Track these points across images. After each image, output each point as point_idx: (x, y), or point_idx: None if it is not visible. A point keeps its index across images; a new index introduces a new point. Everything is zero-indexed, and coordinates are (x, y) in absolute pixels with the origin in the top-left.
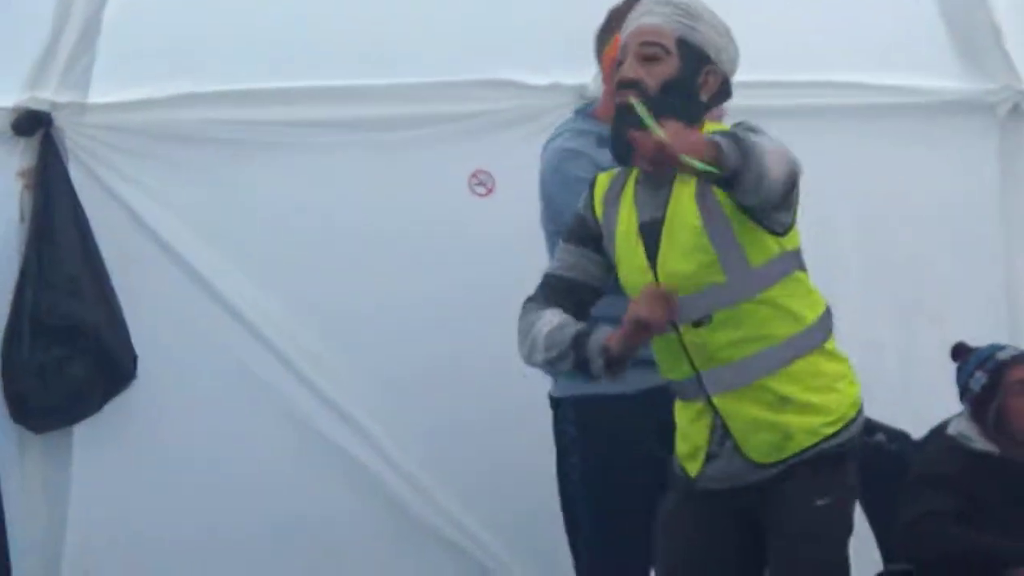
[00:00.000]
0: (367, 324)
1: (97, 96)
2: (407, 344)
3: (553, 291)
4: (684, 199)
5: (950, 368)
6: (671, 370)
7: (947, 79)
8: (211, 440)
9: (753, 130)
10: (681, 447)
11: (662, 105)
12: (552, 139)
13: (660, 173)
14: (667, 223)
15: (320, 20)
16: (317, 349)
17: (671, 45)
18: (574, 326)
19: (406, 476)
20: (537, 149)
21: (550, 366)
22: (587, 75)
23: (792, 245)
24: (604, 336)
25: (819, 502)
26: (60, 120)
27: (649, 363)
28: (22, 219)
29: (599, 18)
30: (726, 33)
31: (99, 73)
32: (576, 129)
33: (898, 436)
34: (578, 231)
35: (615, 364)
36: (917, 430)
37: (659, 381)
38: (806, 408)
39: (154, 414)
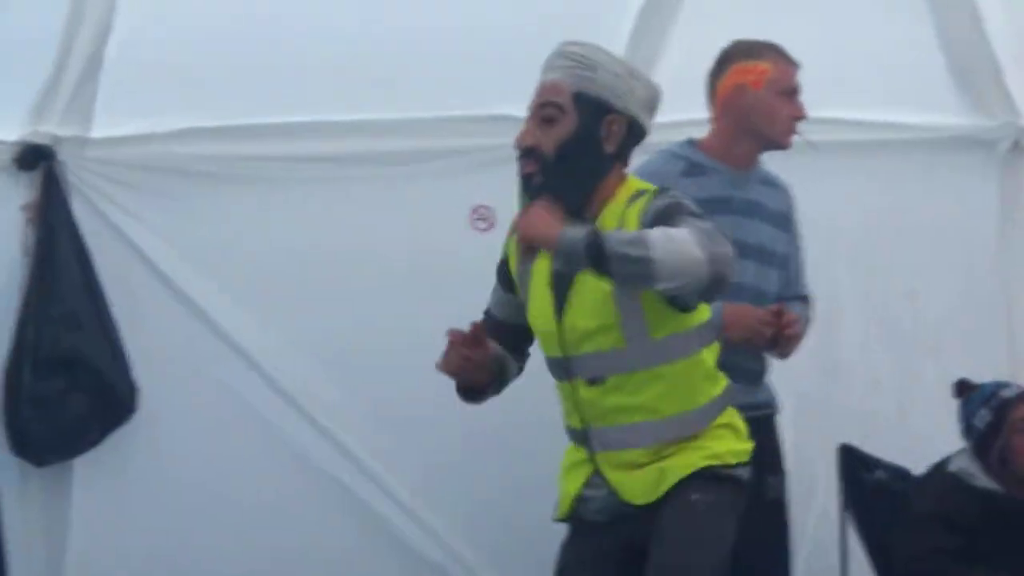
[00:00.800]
0: (366, 358)
1: (99, 130)
2: (406, 378)
3: (490, 327)
4: None
5: (950, 403)
6: (567, 416)
7: (948, 115)
8: (210, 473)
9: (682, 215)
10: (560, 486)
11: (560, 169)
12: (649, 160)
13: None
14: (579, 277)
15: (322, 55)
16: (316, 382)
17: (568, 102)
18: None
19: (405, 509)
20: None
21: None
22: None
23: (699, 320)
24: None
25: (694, 496)
26: (63, 154)
27: None
28: (25, 253)
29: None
30: (629, 74)
31: (101, 107)
32: (671, 152)
33: (898, 473)
34: (499, 274)
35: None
36: (916, 464)
37: None
38: (682, 450)
39: (154, 447)
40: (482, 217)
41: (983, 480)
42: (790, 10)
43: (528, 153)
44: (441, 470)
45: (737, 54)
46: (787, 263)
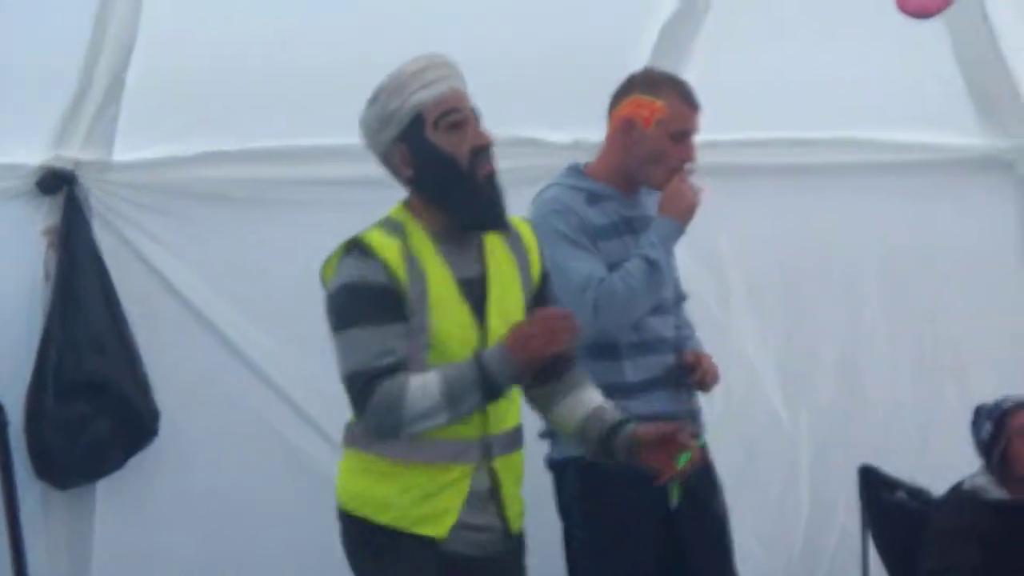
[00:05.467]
0: None
1: (121, 155)
2: None
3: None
4: (504, 266)
5: (970, 424)
6: (459, 430)
7: (966, 136)
8: (233, 496)
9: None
10: (416, 511)
11: None
12: (544, 191)
13: (467, 237)
14: (492, 282)
15: (340, 79)
16: (339, 405)
17: None
18: (462, 366)
19: None
20: None
21: (448, 412)
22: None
23: None
24: (503, 350)
25: None
26: (84, 178)
27: (651, 419)
28: (46, 277)
29: (619, 77)
30: None
31: (123, 132)
32: (567, 184)
33: (918, 493)
34: (386, 306)
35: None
36: (937, 485)
37: None
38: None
39: (176, 470)
40: None
41: (996, 492)
42: (809, 32)
43: (488, 152)
44: None
45: (639, 85)
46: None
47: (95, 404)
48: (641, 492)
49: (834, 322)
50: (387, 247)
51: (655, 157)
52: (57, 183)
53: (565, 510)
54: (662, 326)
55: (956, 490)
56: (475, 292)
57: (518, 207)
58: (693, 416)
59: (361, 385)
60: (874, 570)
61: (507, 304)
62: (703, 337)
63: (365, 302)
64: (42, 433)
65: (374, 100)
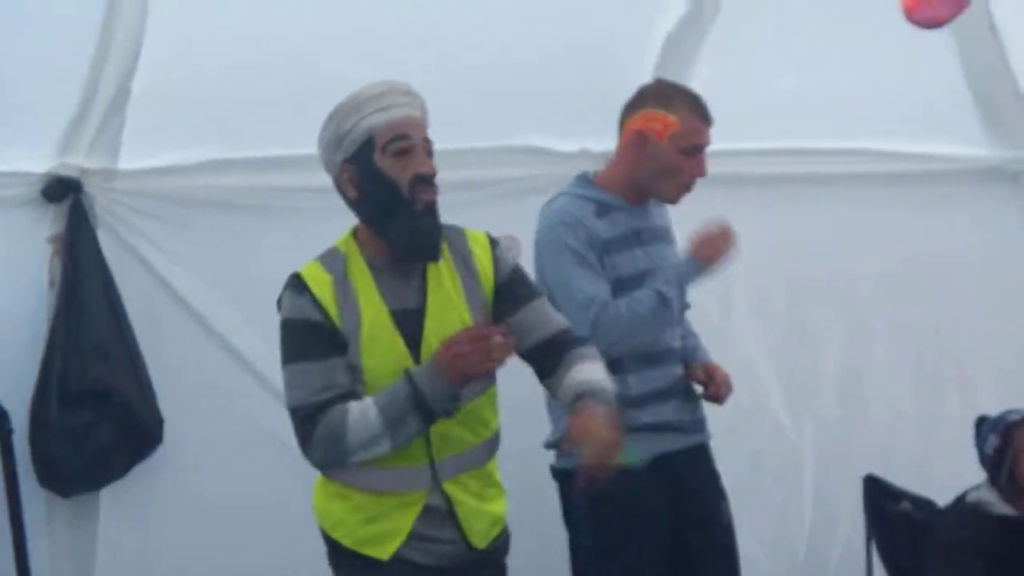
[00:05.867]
0: None
1: (126, 163)
2: None
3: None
4: (449, 291)
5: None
6: (393, 459)
7: (972, 147)
8: (237, 504)
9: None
10: (362, 532)
11: None
12: (552, 201)
13: (410, 266)
14: (431, 312)
15: (347, 87)
16: None
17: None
18: (396, 389)
19: None
20: None
21: (390, 438)
22: (614, 142)
23: None
24: (431, 368)
25: None
26: (89, 186)
27: (658, 429)
28: (51, 284)
29: (625, 84)
30: None
31: (128, 140)
32: (577, 194)
33: (923, 504)
34: (324, 341)
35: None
36: (941, 496)
37: (669, 448)
38: (495, 499)
39: (180, 478)
40: (508, 248)
41: (1000, 507)
42: (816, 42)
43: (431, 181)
44: None
45: (652, 98)
46: None
47: (99, 412)
48: (647, 501)
49: (838, 332)
50: (320, 283)
51: (667, 171)
52: (62, 191)
53: (571, 519)
54: (670, 337)
55: (960, 502)
56: (412, 323)
57: (523, 216)
58: (699, 425)
59: (302, 419)
60: None
61: (447, 333)
62: (709, 347)
63: (305, 337)
64: (46, 441)
65: (330, 119)
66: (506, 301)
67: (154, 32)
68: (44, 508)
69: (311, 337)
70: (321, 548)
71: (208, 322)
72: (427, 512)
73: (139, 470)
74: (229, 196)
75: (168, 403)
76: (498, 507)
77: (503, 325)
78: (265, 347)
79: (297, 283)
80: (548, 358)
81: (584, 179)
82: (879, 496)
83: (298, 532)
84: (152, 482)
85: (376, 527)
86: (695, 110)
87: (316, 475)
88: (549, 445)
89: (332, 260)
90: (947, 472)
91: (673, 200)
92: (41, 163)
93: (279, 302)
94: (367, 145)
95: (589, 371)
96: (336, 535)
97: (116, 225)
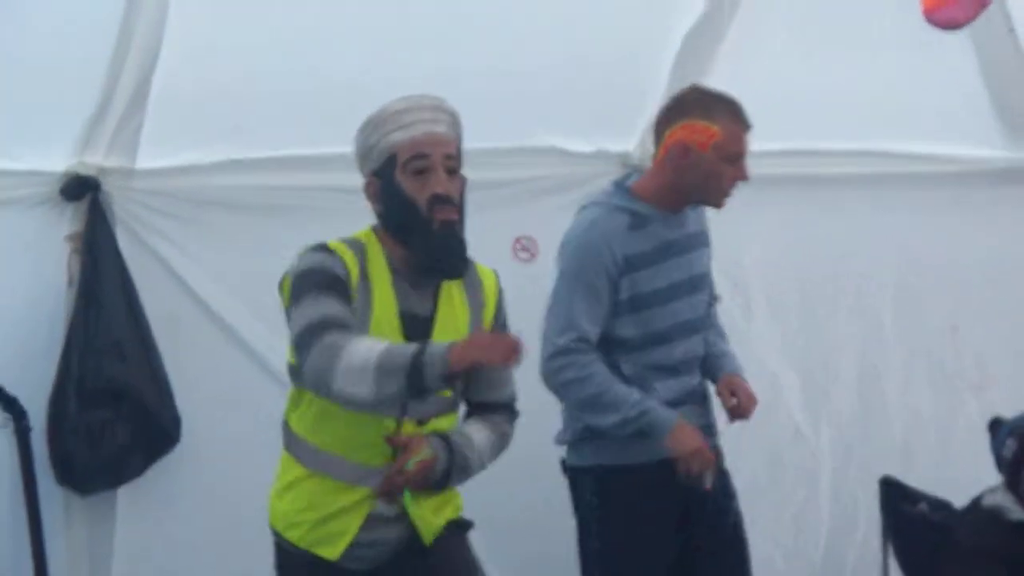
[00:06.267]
0: None
1: (145, 162)
2: None
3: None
4: (457, 309)
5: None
6: (354, 452)
7: (989, 148)
8: (253, 502)
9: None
10: (315, 533)
11: (464, 221)
12: (588, 208)
13: (424, 277)
14: (439, 322)
15: (363, 87)
16: None
17: (458, 156)
18: (406, 345)
19: None
20: None
21: (374, 384)
22: (630, 142)
23: None
24: (445, 349)
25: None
26: (108, 185)
27: None
28: (69, 283)
29: (642, 86)
30: None
31: (147, 139)
32: (613, 205)
33: (940, 505)
34: (342, 291)
35: (455, 376)
36: (958, 498)
37: None
38: (448, 506)
39: (197, 477)
40: (524, 248)
41: (1018, 513)
42: (833, 44)
43: (448, 200)
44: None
45: (693, 108)
46: (709, 277)
47: (117, 410)
48: (657, 500)
49: (854, 333)
50: (349, 257)
51: (711, 179)
52: (81, 190)
53: (580, 516)
54: (696, 345)
55: (977, 506)
56: (418, 329)
57: (540, 216)
58: (710, 429)
59: (311, 334)
60: None
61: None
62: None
63: (325, 280)
64: (64, 439)
65: (360, 131)
66: None
67: (173, 32)
68: (62, 506)
69: (332, 283)
70: None
71: (226, 321)
72: (371, 517)
73: (156, 469)
74: (247, 195)
75: (185, 402)
76: (452, 512)
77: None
78: (283, 346)
79: (324, 247)
80: (478, 410)
81: (621, 188)
82: (896, 498)
83: None
84: (169, 481)
85: (328, 527)
86: (735, 117)
87: None
88: (561, 440)
89: (355, 247)
90: (964, 474)
91: (718, 205)
92: (59, 162)
93: (284, 281)
94: (390, 162)
95: (475, 428)
96: (291, 536)
97: (134, 224)
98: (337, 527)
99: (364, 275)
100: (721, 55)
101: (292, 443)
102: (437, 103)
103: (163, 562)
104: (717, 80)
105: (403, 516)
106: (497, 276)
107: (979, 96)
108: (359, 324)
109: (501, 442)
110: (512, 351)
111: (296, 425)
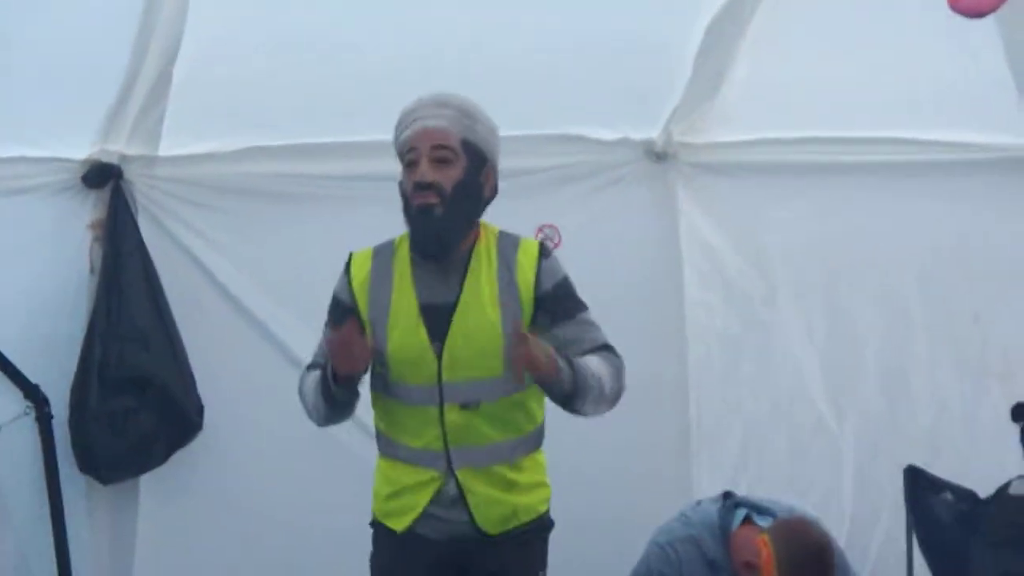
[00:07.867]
0: None
1: (166, 149)
2: None
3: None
4: (484, 292)
5: (1017, 426)
6: (415, 438)
7: (1014, 135)
8: (275, 491)
9: (580, 311)
10: (386, 506)
11: (455, 206)
12: (682, 522)
13: (448, 261)
14: (461, 309)
15: (384, 76)
16: None
17: (458, 147)
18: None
19: None
20: (604, 202)
21: (315, 409)
22: (654, 130)
23: None
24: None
25: (540, 574)
26: (130, 173)
27: None
28: (92, 271)
29: (666, 75)
30: (495, 131)
31: (169, 127)
32: (703, 539)
33: (965, 495)
34: (335, 315)
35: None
36: (983, 487)
37: None
38: (528, 490)
39: (220, 465)
40: (548, 236)
41: None
42: (857, 30)
43: (428, 187)
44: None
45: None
46: None
47: (139, 398)
48: None
49: (878, 322)
50: (360, 268)
51: None
52: (103, 177)
53: None
54: None
55: (1002, 494)
56: (441, 317)
57: (563, 204)
58: None
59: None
60: (918, 571)
61: (472, 330)
62: (751, 337)
63: (331, 310)
64: (86, 427)
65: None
66: (548, 311)
67: (195, 21)
68: (84, 494)
69: (333, 311)
70: (359, 536)
71: (248, 309)
72: (438, 495)
73: (179, 457)
74: (268, 183)
75: (208, 390)
76: (527, 499)
77: (543, 333)
78: (305, 333)
79: (346, 264)
80: None
81: (725, 528)
82: (920, 487)
83: (337, 520)
84: (192, 469)
85: (398, 501)
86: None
87: (355, 463)
88: None
89: (383, 249)
90: (990, 462)
91: None
92: (82, 149)
93: None
94: (401, 158)
95: (595, 360)
96: (373, 509)
97: (156, 211)
98: (407, 502)
99: (382, 277)
100: (745, 43)
101: (377, 435)
102: (443, 100)
103: (185, 549)
104: (742, 68)
105: (463, 499)
106: (542, 243)
107: (1005, 83)
108: (376, 318)
109: (616, 370)
110: (359, 352)
111: (376, 420)
